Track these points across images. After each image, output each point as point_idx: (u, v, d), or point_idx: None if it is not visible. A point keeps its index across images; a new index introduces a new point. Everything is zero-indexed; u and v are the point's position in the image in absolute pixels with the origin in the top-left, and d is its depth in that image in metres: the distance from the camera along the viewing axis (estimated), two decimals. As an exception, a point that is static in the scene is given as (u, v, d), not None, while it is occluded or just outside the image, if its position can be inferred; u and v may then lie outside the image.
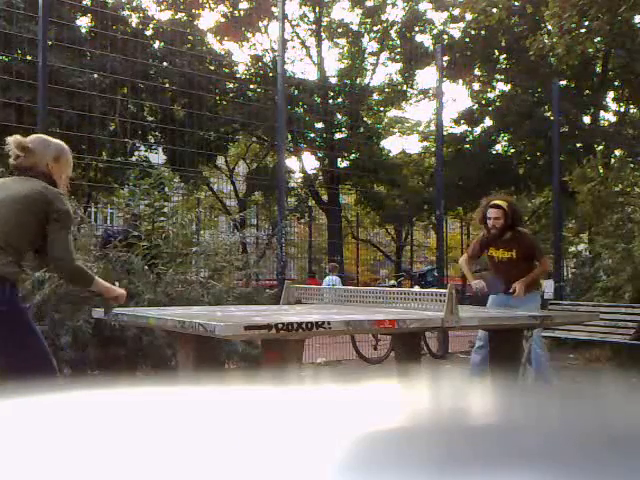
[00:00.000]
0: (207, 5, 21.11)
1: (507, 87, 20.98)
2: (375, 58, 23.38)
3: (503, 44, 18.74)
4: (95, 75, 13.60)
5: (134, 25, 17.71)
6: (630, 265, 7.69)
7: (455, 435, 0.43)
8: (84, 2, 15.83)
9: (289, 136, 19.29)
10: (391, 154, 24.47)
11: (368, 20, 22.53)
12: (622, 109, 20.17)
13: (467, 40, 19.53)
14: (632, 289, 7.57)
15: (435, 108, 9.78)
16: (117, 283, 3.52)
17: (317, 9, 22.55)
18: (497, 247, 5.16)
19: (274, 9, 16.95)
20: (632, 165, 9.88)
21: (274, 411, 0.50)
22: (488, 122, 21.15)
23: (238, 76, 20.84)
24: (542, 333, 7.09)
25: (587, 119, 19.38)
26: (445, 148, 14.11)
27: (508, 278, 5.07)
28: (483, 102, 21.19)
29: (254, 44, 21.84)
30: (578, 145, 17.62)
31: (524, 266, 5.10)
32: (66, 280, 3.69)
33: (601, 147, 17.70)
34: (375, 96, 23.66)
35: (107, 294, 3.26)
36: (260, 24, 21.30)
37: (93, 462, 0.40)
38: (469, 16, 17.86)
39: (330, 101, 22.02)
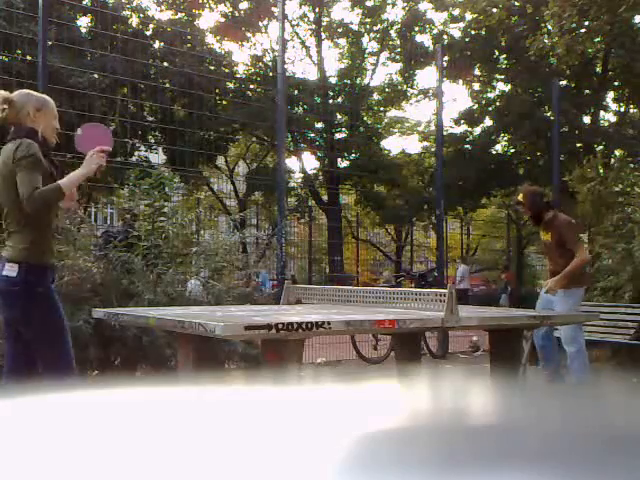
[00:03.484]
0: (207, 5, 21.14)
1: (507, 87, 20.99)
2: (375, 58, 23.41)
3: (503, 44, 18.73)
4: (95, 75, 13.60)
5: (134, 25, 17.72)
6: (630, 265, 7.68)
7: (455, 435, 0.43)
8: (84, 2, 15.84)
9: (289, 136, 19.30)
10: (391, 154, 24.49)
11: (368, 20, 22.55)
12: (622, 109, 20.17)
13: (467, 40, 19.54)
14: (632, 289, 7.56)
15: (435, 108, 9.78)
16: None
17: (317, 9, 22.56)
18: (543, 229, 5.32)
19: (274, 9, 16.96)
20: (632, 165, 9.85)
21: (274, 411, 0.50)
22: (488, 122, 21.16)
23: (238, 76, 20.85)
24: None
25: (587, 119, 19.38)
26: (445, 148, 14.12)
27: (551, 262, 5.29)
28: (483, 102, 21.20)
29: (254, 44, 21.89)
30: (578, 145, 17.61)
31: (560, 252, 5.13)
32: (44, 208, 3.09)
33: (601, 147, 17.68)
34: (375, 96, 23.68)
35: (89, 169, 3.13)
36: (260, 24, 21.33)
37: (93, 462, 0.40)
38: (469, 16, 17.88)
39: (330, 101, 22.04)
